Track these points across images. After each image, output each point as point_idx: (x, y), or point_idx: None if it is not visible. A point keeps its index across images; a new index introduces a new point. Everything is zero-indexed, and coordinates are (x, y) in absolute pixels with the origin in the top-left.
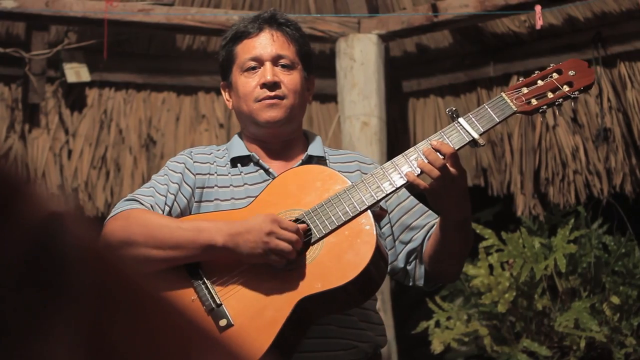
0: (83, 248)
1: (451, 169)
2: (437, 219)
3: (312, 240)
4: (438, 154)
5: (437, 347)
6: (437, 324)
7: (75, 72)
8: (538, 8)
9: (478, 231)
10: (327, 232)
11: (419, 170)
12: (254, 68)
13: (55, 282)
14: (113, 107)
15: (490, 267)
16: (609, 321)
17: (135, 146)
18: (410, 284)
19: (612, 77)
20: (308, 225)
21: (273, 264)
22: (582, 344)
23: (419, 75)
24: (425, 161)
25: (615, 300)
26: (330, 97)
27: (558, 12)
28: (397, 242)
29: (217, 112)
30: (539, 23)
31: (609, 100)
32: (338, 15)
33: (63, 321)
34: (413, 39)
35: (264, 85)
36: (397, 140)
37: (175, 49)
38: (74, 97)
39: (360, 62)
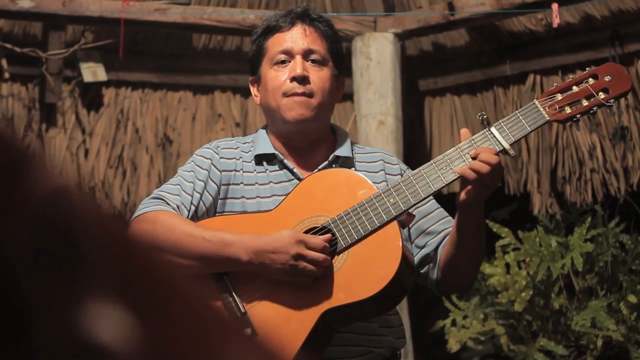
0: (94, 222)
1: (498, 173)
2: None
3: (338, 250)
4: (489, 166)
5: (453, 346)
6: (454, 323)
7: (92, 72)
8: (555, 6)
9: (495, 230)
10: (353, 241)
11: (449, 180)
12: (284, 62)
13: (71, 257)
14: (129, 106)
15: (507, 265)
16: (626, 320)
17: (151, 145)
18: (423, 285)
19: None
20: (334, 234)
21: (299, 283)
22: (599, 343)
23: (435, 73)
24: (477, 176)
25: (632, 299)
26: (346, 96)
27: (575, 10)
28: (412, 246)
29: (234, 111)
30: (556, 21)
31: (626, 98)
32: (354, 14)
33: (90, 292)
34: (429, 38)
35: (293, 79)
36: (413, 139)
37: (192, 48)
38: (91, 96)
39: (376, 60)
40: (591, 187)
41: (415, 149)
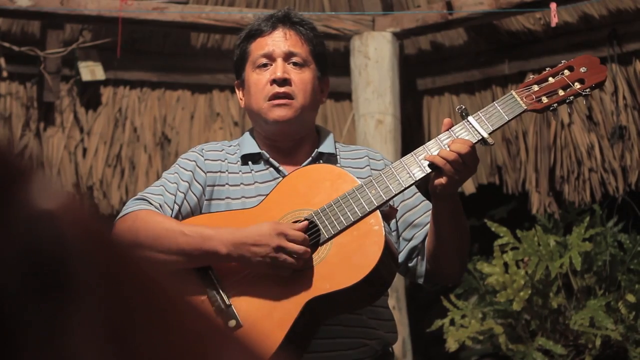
0: (86, 242)
1: (470, 164)
2: None
3: (321, 241)
4: (457, 155)
5: (452, 345)
6: (452, 322)
7: (90, 71)
8: (553, 5)
9: (493, 229)
10: (335, 232)
11: (428, 170)
12: (265, 65)
13: (58, 279)
14: (128, 105)
15: (505, 265)
16: (625, 319)
17: (149, 144)
18: (412, 280)
19: (627, 74)
20: (317, 225)
21: (279, 274)
22: (598, 343)
23: (433, 73)
24: (447, 165)
25: (630, 298)
26: (344, 95)
27: (573, 10)
28: (400, 239)
29: (232, 110)
30: (554, 20)
31: (624, 97)
32: (352, 13)
33: (79, 320)
34: (427, 37)
35: (273, 82)
36: (411, 138)
37: (190, 47)
38: (89, 95)
39: (374, 60)
40: (589, 187)
41: (414, 148)
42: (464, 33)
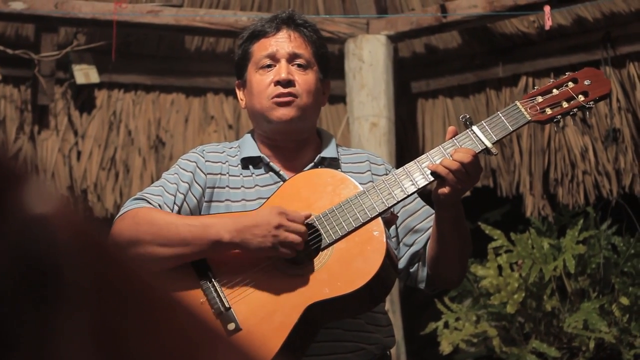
0: (79, 246)
1: (473, 173)
2: None
3: (322, 246)
4: (460, 164)
5: (445, 348)
6: (446, 325)
7: (84, 74)
8: (547, 8)
9: (487, 232)
10: (337, 237)
11: (431, 178)
12: (269, 66)
13: (51, 287)
14: (122, 108)
15: (499, 267)
16: (618, 322)
17: (144, 147)
18: (412, 285)
19: (621, 77)
20: (318, 230)
21: (281, 256)
22: (591, 345)
23: (427, 76)
24: (450, 174)
25: (624, 301)
26: (339, 98)
27: (567, 13)
28: (400, 244)
29: (226, 113)
30: (548, 23)
31: (618, 100)
32: (347, 16)
33: (71, 326)
34: (422, 40)
35: (277, 83)
36: (405, 141)
37: (184, 50)
38: (83, 98)
39: (369, 63)
40: (583, 189)
41: (408, 150)
42: (458, 36)
